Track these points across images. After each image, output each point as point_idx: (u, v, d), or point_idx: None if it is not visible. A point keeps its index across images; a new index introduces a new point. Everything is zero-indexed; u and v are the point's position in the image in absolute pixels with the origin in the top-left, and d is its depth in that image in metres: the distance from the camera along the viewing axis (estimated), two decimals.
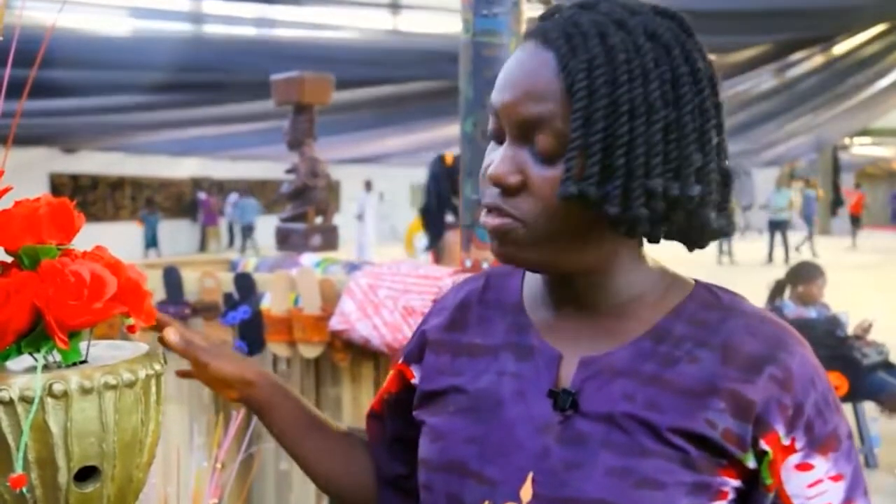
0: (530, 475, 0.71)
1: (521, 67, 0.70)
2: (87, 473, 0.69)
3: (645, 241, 0.77)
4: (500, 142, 0.74)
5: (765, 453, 0.69)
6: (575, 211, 0.69)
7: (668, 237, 0.73)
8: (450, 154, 3.43)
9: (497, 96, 0.72)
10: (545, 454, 0.71)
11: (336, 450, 0.93)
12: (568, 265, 0.73)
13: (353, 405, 2.47)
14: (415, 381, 0.86)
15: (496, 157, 0.72)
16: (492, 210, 0.73)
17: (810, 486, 0.70)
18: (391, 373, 0.92)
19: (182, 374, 0.87)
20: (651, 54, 0.67)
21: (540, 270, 0.76)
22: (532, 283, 0.82)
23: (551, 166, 0.69)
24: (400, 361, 0.90)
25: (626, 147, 0.66)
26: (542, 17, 0.73)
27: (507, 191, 0.71)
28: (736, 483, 0.70)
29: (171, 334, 0.79)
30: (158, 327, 0.84)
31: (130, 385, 0.70)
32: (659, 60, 0.68)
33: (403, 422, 0.88)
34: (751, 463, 0.69)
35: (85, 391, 0.67)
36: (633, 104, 0.66)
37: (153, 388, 0.74)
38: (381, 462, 0.93)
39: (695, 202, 0.69)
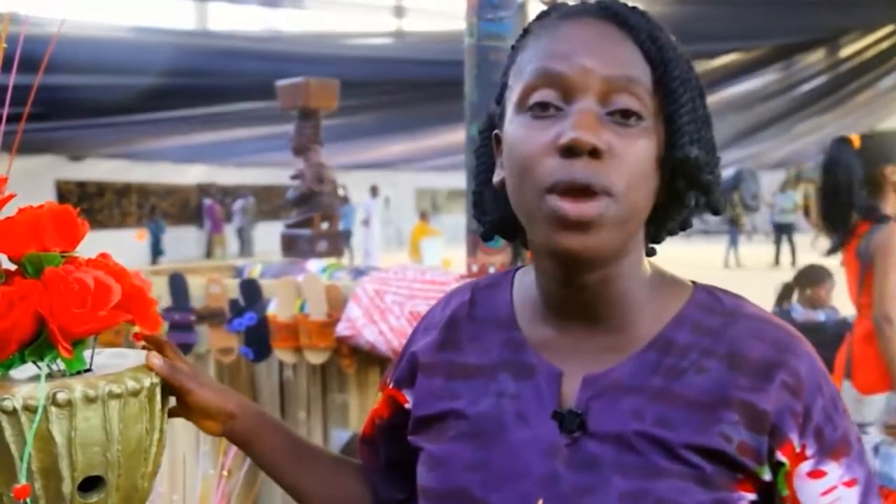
0: (539, 502, 0.69)
1: (591, 36, 0.68)
2: (91, 483, 0.68)
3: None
4: (544, 113, 0.68)
5: (781, 464, 0.67)
6: (653, 182, 0.68)
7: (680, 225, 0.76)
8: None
9: (566, 62, 0.67)
10: (554, 479, 0.69)
11: (325, 477, 0.89)
12: (624, 250, 0.70)
13: (359, 411, 2.46)
14: (408, 405, 0.82)
15: (569, 124, 0.65)
16: (570, 192, 0.64)
17: (824, 493, 0.68)
18: (380, 397, 0.88)
19: (169, 414, 0.83)
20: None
21: (606, 259, 0.69)
22: (523, 296, 0.79)
23: (630, 130, 0.66)
24: (390, 386, 0.86)
25: (704, 120, 0.70)
26: (580, 6, 0.72)
27: (594, 155, 0.64)
28: (751, 496, 0.68)
29: (155, 359, 0.75)
30: (153, 347, 0.80)
31: (135, 393, 0.69)
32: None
33: (398, 447, 0.84)
34: (766, 475, 0.68)
35: (89, 400, 0.66)
36: (699, 82, 0.71)
37: (158, 397, 0.74)
38: (377, 487, 0.90)
39: (717, 168, 0.73)
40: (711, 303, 0.73)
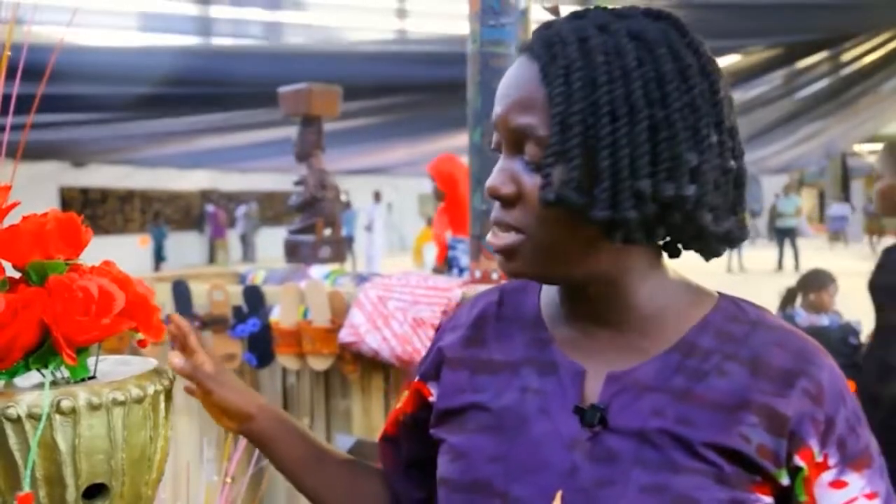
0: (559, 494, 0.69)
1: (510, 80, 0.73)
2: (95, 491, 0.68)
3: (665, 253, 0.76)
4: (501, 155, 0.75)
5: (799, 469, 0.68)
6: (568, 218, 0.68)
7: (685, 246, 0.74)
8: None
9: (494, 109, 0.74)
10: (574, 472, 0.70)
11: (341, 480, 0.91)
12: (579, 276, 0.73)
13: (363, 417, 2.46)
14: (432, 398, 0.84)
15: (494, 171, 0.74)
16: (496, 226, 0.74)
17: None
18: (405, 393, 0.90)
19: (188, 391, 0.86)
20: (633, 54, 0.67)
21: (552, 282, 0.76)
22: (550, 297, 0.81)
23: (539, 174, 0.70)
24: (416, 380, 0.88)
25: (610, 149, 0.65)
26: (536, 31, 0.74)
27: (505, 202, 0.72)
28: (768, 500, 0.68)
29: (176, 358, 0.78)
30: (176, 336, 0.83)
31: (139, 401, 0.69)
32: (642, 59, 0.67)
33: (421, 442, 0.86)
34: (784, 480, 0.68)
35: (93, 407, 0.66)
36: (614, 105, 0.65)
37: (162, 404, 0.74)
38: (398, 488, 0.91)
39: (691, 203, 0.67)
40: (736, 312, 0.74)
